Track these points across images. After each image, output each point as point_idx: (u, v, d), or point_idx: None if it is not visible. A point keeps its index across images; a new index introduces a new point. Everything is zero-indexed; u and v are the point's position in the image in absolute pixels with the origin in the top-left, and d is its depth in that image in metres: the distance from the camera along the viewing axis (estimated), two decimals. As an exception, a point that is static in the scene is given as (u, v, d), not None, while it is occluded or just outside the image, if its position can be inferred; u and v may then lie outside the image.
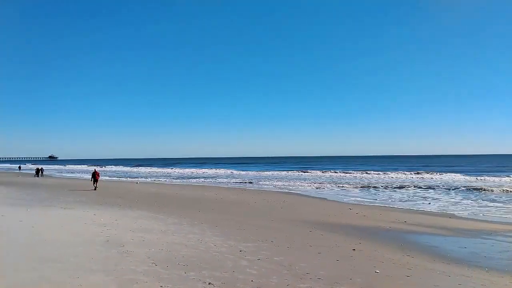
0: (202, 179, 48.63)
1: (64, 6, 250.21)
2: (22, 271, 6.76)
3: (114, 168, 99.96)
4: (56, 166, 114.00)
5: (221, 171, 71.47)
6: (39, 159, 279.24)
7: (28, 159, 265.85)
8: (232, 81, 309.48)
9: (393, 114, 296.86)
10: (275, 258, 8.72)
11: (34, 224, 11.82)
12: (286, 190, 31.49)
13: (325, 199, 24.77)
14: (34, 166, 69.80)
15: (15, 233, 10.18)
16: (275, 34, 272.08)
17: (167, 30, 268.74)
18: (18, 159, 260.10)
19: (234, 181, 44.75)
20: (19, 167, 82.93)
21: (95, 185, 29.73)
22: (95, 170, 32.09)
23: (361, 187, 33.88)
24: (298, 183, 39.98)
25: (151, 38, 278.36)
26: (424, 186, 33.94)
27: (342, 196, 26.39)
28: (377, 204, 21.78)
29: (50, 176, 53.30)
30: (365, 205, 21.44)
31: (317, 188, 33.67)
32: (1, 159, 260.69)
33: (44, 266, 7.13)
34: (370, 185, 35.99)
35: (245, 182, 41.73)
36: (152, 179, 48.84)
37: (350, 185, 36.28)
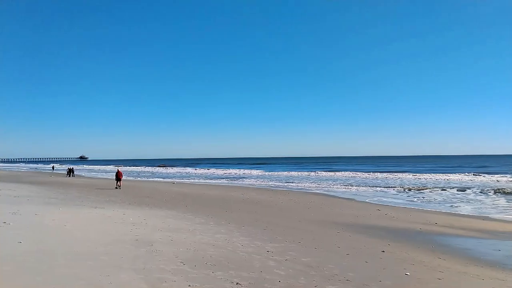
0: (228, 180, 48.85)
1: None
2: (56, 268, 6.92)
3: (139, 168, 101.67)
4: (86, 166, 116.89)
5: (246, 171, 71.67)
6: (71, 159, 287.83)
7: (60, 159, 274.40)
8: (252, 79, 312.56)
9: (429, 114, 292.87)
10: (302, 259, 8.65)
11: (66, 223, 12.11)
12: (313, 191, 31.26)
13: (353, 199, 24.44)
14: (66, 166, 71.77)
15: (48, 231, 10.45)
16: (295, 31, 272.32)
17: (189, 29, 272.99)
18: (51, 159, 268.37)
19: (260, 181, 44.79)
20: (53, 167, 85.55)
21: (118, 184, 31.19)
22: (118, 170, 33.27)
23: (390, 188, 33.28)
24: (326, 184, 39.66)
25: (176, 38, 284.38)
26: (456, 187, 33.04)
27: (371, 197, 25.99)
28: (406, 206, 21.34)
29: (80, 176, 54.67)
30: (394, 206, 21.04)
31: (345, 188, 33.29)
32: (36, 160, 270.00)
33: (76, 263, 7.29)
34: (400, 186, 35.34)
35: (272, 182, 41.69)
36: (182, 179, 49.40)
37: (379, 186, 35.73)
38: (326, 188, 33.71)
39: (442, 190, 30.69)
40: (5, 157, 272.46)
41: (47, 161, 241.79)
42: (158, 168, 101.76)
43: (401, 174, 54.01)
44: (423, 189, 31.37)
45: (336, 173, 59.19)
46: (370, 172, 59.90)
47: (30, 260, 7.38)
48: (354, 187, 34.74)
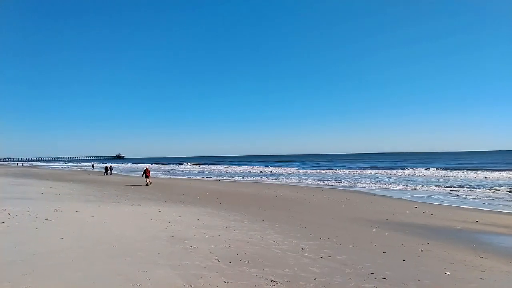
0: (259, 177, 48.86)
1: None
2: (95, 264, 7.12)
3: (172, 166, 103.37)
4: (123, 165, 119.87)
5: (276, 169, 71.38)
6: (108, 157, 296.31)
7: (98, 158, 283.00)
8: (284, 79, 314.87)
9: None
10: (338, 257, 8.53)
11: (105, 219, 12.45)
12: (347, 188, 30.85)
13: (389, 197, 23.91)
14: (104, 165, 73.97)
15: (88, 228, 10.77)
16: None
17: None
18: (90, 158, 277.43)
19: (292, 178, 44.58)
20: (93, 166, 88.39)
21: (147, 180, 33.20)
22: (146, 167, 35.57)
23: (427, 185, 32.37)
24: (359, 181, 39.05)
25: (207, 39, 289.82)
26: (496, 184, 31.79)
27: (407, 194, 25.37)
28: (445, 203, 20.67)
29: (118, 174, 56.15)
30: (432, 203, 20.43)
31: (379, 186, 32.64)
32: (75, 158, 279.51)
33: (114, 259, 7.47)
34: (438, 183, 34.35)
35: (303, 180, 41.42)
36: (228, 177, 49.89)
37: (415, 183, 34.84)
38: (360, 185, 33.18)
39: (481, 187, 29.56)
40: (47, 156, 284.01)
41: (87, 159, 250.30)
42: (190, 165, 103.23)
43: (434, 171, 52.43)
44: (462, 187, 30.30)
45: (369, 170, 58.04)
46: (403, 168, 58.56)
47: (71, 255, 7.62)
48: (389, 184, 33.99)
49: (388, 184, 33.52)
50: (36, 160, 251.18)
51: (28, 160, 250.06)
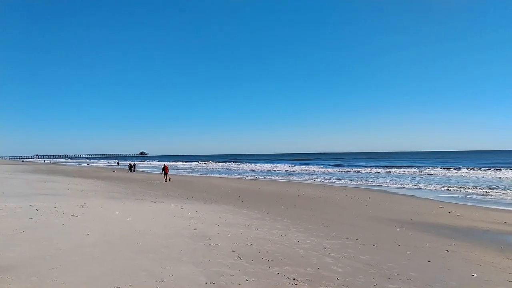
0: (281, 175, 48.73)
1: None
2: (119, 259, 7.24)
3: (194, 163, 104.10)
4: (146, 163, 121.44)
5: (299, 167, 71.09)
6: (132, 155, 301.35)
7: (122, 155, 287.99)
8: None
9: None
10: (361, 257, 8.43)
11: (129, 216, 12.65)
12: (370, 187, 30.48)
13: (414, 196, 23.48)
14: (128, 162, 75.22)
15: (112, 224, 10.96)
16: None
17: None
18: (114, 155, 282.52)
19: (313, 177, 44.31)
20: (117, 163, 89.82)
21: (166, 177, 34.23)
22: (165, 165, 36.83)
23: (453, 185, 31.65)
24: (384, 180, 38.54)
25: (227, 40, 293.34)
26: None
27: (433, 194, 24.87)
28: (472, 203, 20.16)
29: (141, 172, 56.96)
30: (458, 203, 19.95)
31: (404, 184, 32.11)
32: (100, 156, 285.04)
33: (138, 255, 7.58)
34: (464, 182, 33.58)
35: (325, 178, 41.13)
36: (234, 175, 50.06)
37: (440, 183, 34.14)
38: (383, 184, 32.73)
39: (510, 188, 28.70)
40: (73, 153, 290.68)
41: (111, 157, 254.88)
42: (211, 163, 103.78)
43: (460, 170, 51.17)
44: (489, 187, 29.47)
45: (391, 169, 57.15)
46: (427, 167, 57.38)
47: (96, 251, 7.77)
48: (413, 183, 33.38)
49: (412, 183, 32.93)
50: (62, 157, 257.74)
51: (55, 157, 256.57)
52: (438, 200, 21.24)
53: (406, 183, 33.72)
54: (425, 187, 29.50)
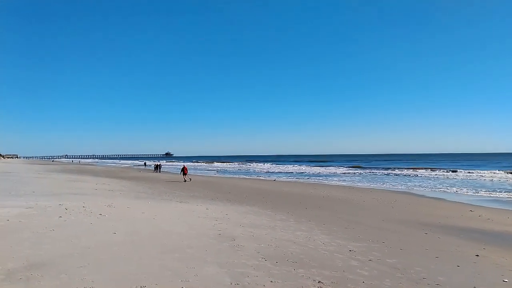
0: (308, 177, 48.47)
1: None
2: (146, 259, 7.33)
3: (217, 164, 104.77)
4: (171, 163, 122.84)
5: (322, 168, 70.51)
6: (157, 155, 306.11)
7: (148, 155, 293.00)
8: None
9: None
10: (387, 260, 8.27)
11: (155, 216, 12.81)
12: (398, 189, 29.94)
13: (442, 199, 22.94)
14: (153, 163, 76.33)
15: (139, 224, 11.12)
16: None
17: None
18: (140, 155, 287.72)
19: (338, 178, 43.88)
20: (145, 163, 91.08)
21: (184, 177, 35.26)
22: (184, 165, 38.37)
23: (483, 188, 30.78)
24: (411, 182, 37.82)
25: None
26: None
27: (462, 197, 24.26)
28: (503, 207, 19.55)
29: (166, 172, 57.67)
30: (489, 207, 19.37)
31: (432, 187, 31.41)
32: (127, 156, 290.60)
33: (164, 255, 7.66)
34: (495, 186, 32.60)
35: (349, 179, 40.67)
36: (259, 176, 50.10)
37: (471, 185, 33.24)
38: (410, 187, 32.10)
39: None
40: (101, 153, 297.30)
41: (137, 157, 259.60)
42: (236, 164, 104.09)
43: (490, 172, 49.63)
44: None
45: (419, 171, 56.02)
46: (455, 169, 55.91)
47: (123, 250, 7.90)
48: (441, 186, 32.63)
49: (440, 186, 32.22)
50: (90, 158, 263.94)
51: (83, 157, 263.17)
52: (468, 204, 20.67)
53: (433, 185, 33.02)
54: (454, 190, 28.79)
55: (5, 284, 5.66)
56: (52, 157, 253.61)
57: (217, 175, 53.72)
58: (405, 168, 63.44)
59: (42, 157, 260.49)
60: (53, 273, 6.23)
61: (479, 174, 47.06)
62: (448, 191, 28.41)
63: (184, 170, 36.08)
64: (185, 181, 34.43)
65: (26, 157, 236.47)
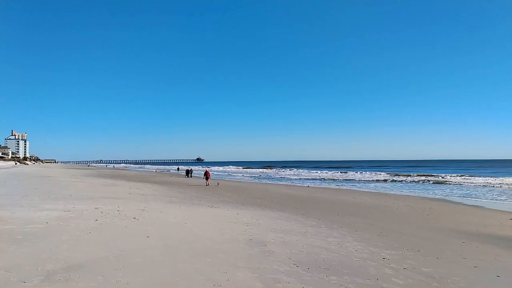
0: (338, 183, 47.85)
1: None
2: (179, 262, 7.42)
3: (247, 169, 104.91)
4: (203, 168, 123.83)
5: (351, 173, 69.36)
6: (189, 161, 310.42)
7: (180, 161, 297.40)
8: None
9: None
10: (423, 269, 8.03)
11: (187, 220, 12.95)
12: (433, 196, 29.11)
13: (481, 207, 22.13)
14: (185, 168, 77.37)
15: (171, 228, 11.27)
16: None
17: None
18: (172, 161, 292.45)
19: (371, 185, 43.08)
20: (178, 168, 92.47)
21: (207, 182, 36.70)
22: (206, 170, 40.06)
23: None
24: (447, 189, 36.70)
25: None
26: None
27: (501, 205, 23.34)
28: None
29: (198, 177, 58.25)
30: (530, 215, 18.53)
31: (468, 194, 30.36)
32: (159, 161, 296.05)
33: (196, 259, 7.72)
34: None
35: (382, 186, 39.86)
36: (287, 182, 49.86)
37: (510, 193, 31.93)
38: (446, 194, 31.13)
39: None
40: (134, 159, 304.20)
41: (169, 162, 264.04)
42: (266, 170, 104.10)
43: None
44: None
45: (455, 177, 54.25)
46: (495, 177, 53.81)
47: (156, 253, 8.02)
48: (478, 193, 31.49)
49: (477, 193, 31.11)
50: (124, 163, 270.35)
51: (117, 162, 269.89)
52: (508, 211, 19.86)
53: (470, 193, 31.91)
54: (491, 197, 27.73)
55: (45, 284, 5.85)
56: (88, 162, 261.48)
57: (247, 180, 53.82)
58: (440, 175, 61.60)
59: (78, 162, 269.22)
60: (90, 275, 6.39)
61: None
62: (486, 198, 27.39)
63: (206, 174, 37.76)
64: (207, 184, 35.55)
65: (63, 162, 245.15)
